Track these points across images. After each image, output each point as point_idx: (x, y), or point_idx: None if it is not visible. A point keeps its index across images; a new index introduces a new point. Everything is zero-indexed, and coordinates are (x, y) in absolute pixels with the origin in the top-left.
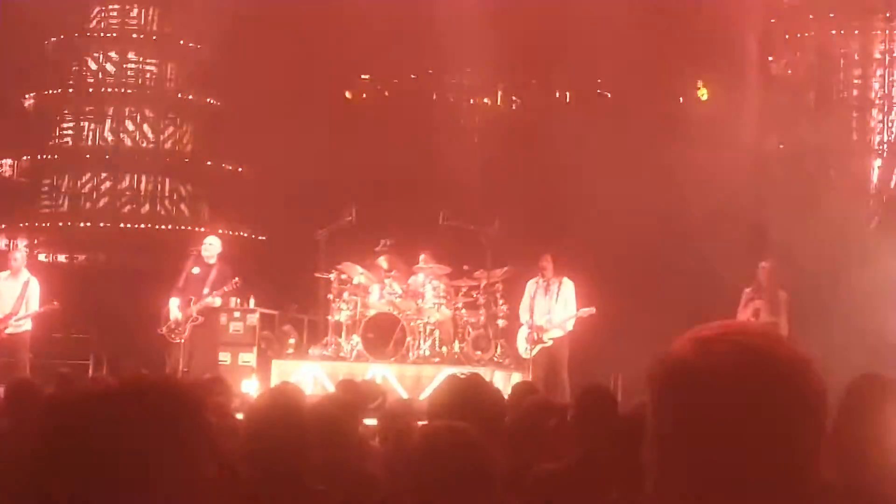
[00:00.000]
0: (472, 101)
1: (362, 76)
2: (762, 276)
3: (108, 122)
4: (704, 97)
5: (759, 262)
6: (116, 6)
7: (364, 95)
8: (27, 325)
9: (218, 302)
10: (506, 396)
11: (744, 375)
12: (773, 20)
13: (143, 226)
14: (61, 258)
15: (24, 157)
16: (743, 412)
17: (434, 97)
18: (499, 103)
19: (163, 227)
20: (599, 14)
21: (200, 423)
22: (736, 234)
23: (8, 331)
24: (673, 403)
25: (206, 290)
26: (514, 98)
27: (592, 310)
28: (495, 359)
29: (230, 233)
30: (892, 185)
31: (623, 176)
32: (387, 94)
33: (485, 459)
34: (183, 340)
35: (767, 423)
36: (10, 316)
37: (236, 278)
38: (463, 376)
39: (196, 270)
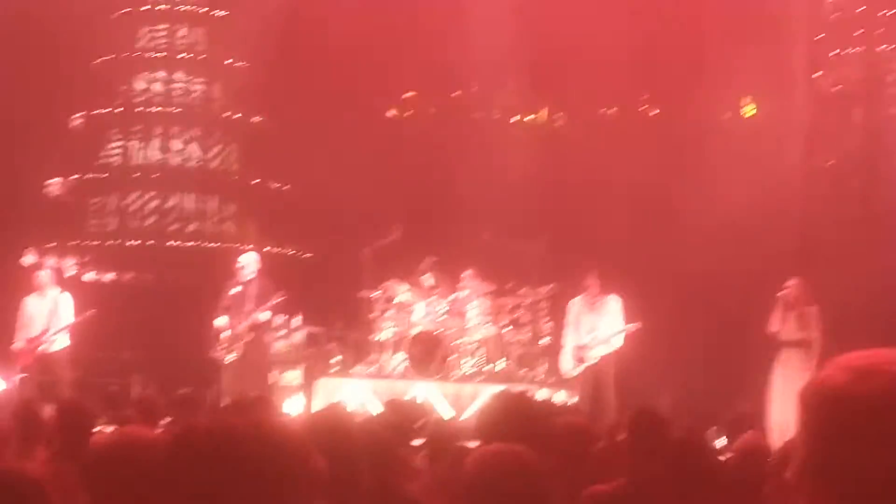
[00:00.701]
0: (516, 117)
1: (405, 94)
2: (788, 293)
3: (156, 141)
4: (751, 113)
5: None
6: (165, 26)
7: (408, 113)
8: (64, 342)
9: (266, 316)
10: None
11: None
12: (820, 35)
13: (189, 244)
14: (109, 276)
15: (73, 177)
16: None
17: (477, 114)
18: (543, 120)
19: (209, 245)
20: (644, 29)
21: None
22: (783, 251)
23: (42, 347)
24: (828, 433)
25: (248, 307)
26: (558, 114)
27: (638, 325)
28: (539, 377)
29: (276, 250)
30: None
31: (668, 192)
32: (431, 111)
33: (541, 484)
34: (232, 360)
35: None
36: (43, 333)
37: (281, 292)
38: (512, 394)
39: (238, 289)
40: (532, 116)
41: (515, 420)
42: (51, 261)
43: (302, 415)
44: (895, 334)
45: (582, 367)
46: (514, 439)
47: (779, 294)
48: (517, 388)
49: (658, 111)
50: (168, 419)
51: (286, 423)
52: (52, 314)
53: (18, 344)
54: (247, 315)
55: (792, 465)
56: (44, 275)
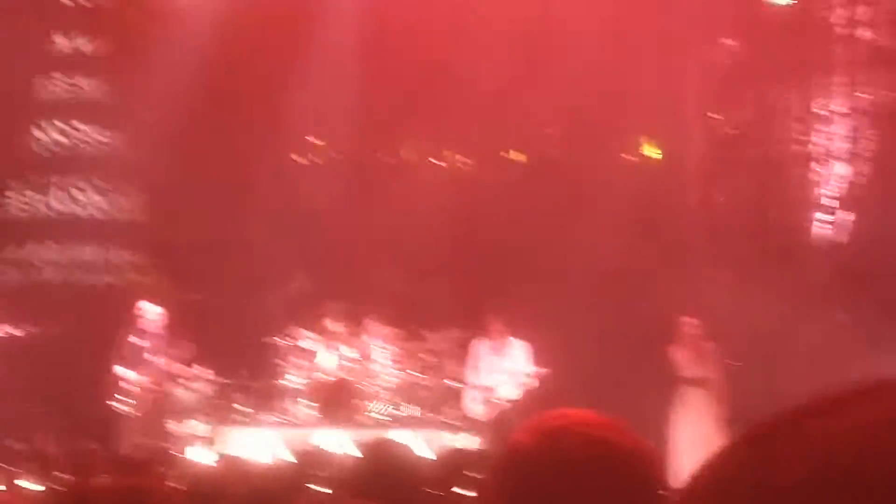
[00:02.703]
0: (420, 161)
1: (308, 137)
2: (684, 332)
3: (55, 191)
4: (650, 155)
5: (681, 318)
6: (62, 75)
7: (312, 157)
8: None
9: (166, 364)
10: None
11: (589, 469)
12: (710, 77)
13: (92, 294)
14: (11, 330)
15: None
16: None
17: (385, 159)
18: (447, 163)
19: (113, 294)
20: (543, 71)
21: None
22: (683, 289)
23: None
24: (518, 497)
25: (150, 357)
26: (461, 157)
27: (541, 368)
28: (447, 420)
29: (181, 299)
30: (843, 240)
31: (571, 234)
32: (334, 155)
33: None
34: (133, 411)
35: None
36: None
37: (185, 341)
38: (380, 444)
39: (138, 339)
40: (433, 161)
41: (381, 471)
42: None
43: (205, 466)
44: (789, 369)
45: (487, 410)
46: (379, 490)
47: (678, 332)
48: (422, 432)
49: (558, 153)
50: (63, 475)
51: (180, 480)
52: None
53: None
54: (147, 364)
55: None
56: None
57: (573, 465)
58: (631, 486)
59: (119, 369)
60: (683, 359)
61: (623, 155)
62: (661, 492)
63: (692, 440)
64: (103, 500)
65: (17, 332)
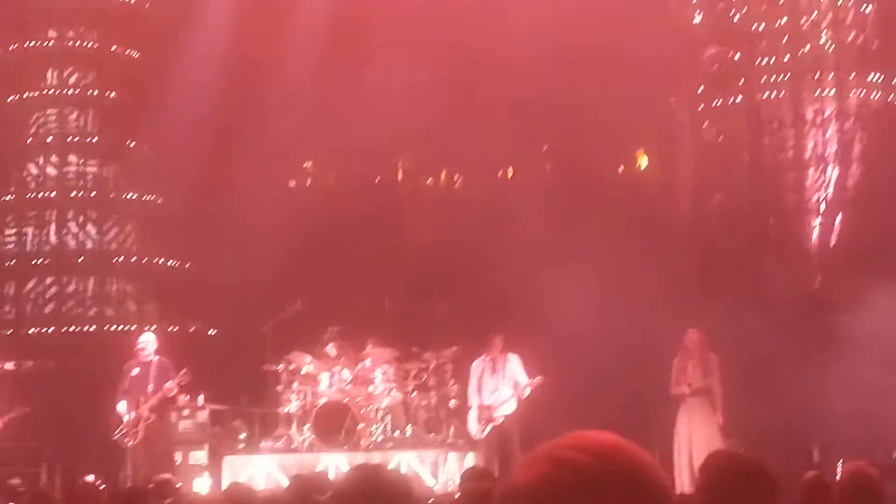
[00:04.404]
0: (415, 181)
1: (304, 164)
2: (690, 343)
3: (51, 225)
4: (643, 165)
5: (688, 329)
6: (54, 111)
7: (308, 182)
8: None
9: (173, 391)
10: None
11: (556, 494)
12: (701, 87)
13: (90, 328)
14: (9, 366)
15: None
16: None
17: (377, 180)
18: (442, 183)
19: (111, 328)
20: (536, 85)
21: None
22: (682, 299)
23: None
24: None
25: (149, 388)
26: (456, 177)
27: (540, 379)
28: (449, 441)
29: (177, 329)
30: (832, 243)
31: (567, 248)
32: (329, 180)
33: None
34: (136, 442)
35: None
36: None
37: (184, 370)
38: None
39: (136, 371)
40: (430, 180)
41: (371, 493)
42: None
43: (209, 495)
44: (787, 378)
45: (489, 429)
46: None
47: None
48: (426, 453)
49: (551, 167)
50: None
51: None
52: None
53: None
54: (148, 396)
55: None
56: None
57: (542, 492)
58: None
59: (121, 402)
60: (688, 369)
61: (619, 168)
62: None
63: (696, 448)
64: None
65: (17, 368)
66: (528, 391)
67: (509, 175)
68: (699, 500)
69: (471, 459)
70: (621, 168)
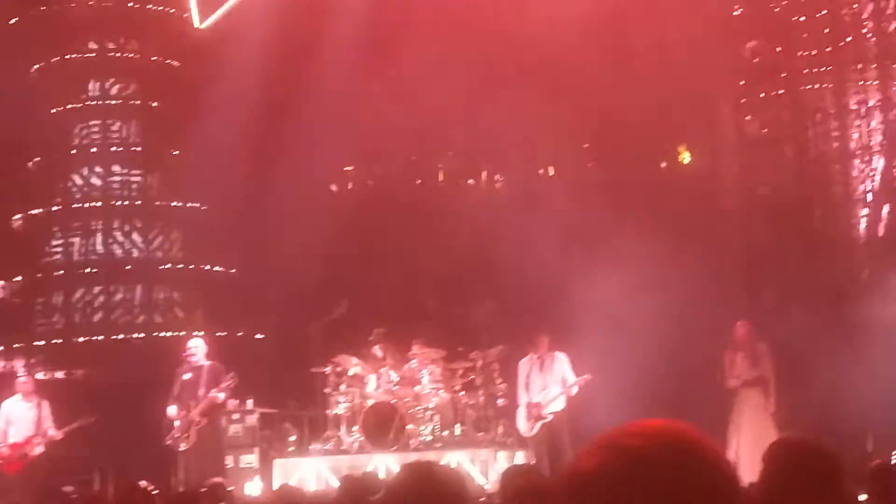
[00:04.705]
0: (456, 183)
1: (345, 167)
2: (738, 335)
3: (97, 235)
4: (686, 161)
5: (736, 322)
6: (97, 121)
7: (349, 186)
8: (41, 448)
9: (221, 397)
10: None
11: (618, 480)
12: (743, 81)
13: (139, 336)
14: (59, 375)
15: (16, 278)
16: None
17: (418, 182)
18: (483, 183)
19: (159, 334)
20: (575, 82)
21: None
22: (729, 293)
23: (34, 451)
24: None
25: (200, 392)
26: (497, 176)
27: (588, 377)
28: (498, 439)
29: (225, 334)
30: (880, 233)
31: (611, 245)
32: (370, 183)
33: None
34: (188, 447)
35: None
36: (34, 437)
37: (232, 374)
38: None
39: (188, 376)
40: (472, 181)
41: (424, 491)
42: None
43: (261, 498)
44: (837, 368)
45: (538, 427)
46: None
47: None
48: (475, 452)
49: (593, 164)
50: None
51: None
52: (39, 421)
53: (3, 449)
54: (199, 400)
55: None
56: (26, 381)
57: (598, 480)
58: (717, 494)
59: (172, 407)
60: (737, 361)
61: (661, 163)
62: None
63: (750, 438)
64: None
65: (67, 377)
66: (575, 389)
67: (550, 173)
68: (765, 487)
69: (520, 458)
70: (664, 164)
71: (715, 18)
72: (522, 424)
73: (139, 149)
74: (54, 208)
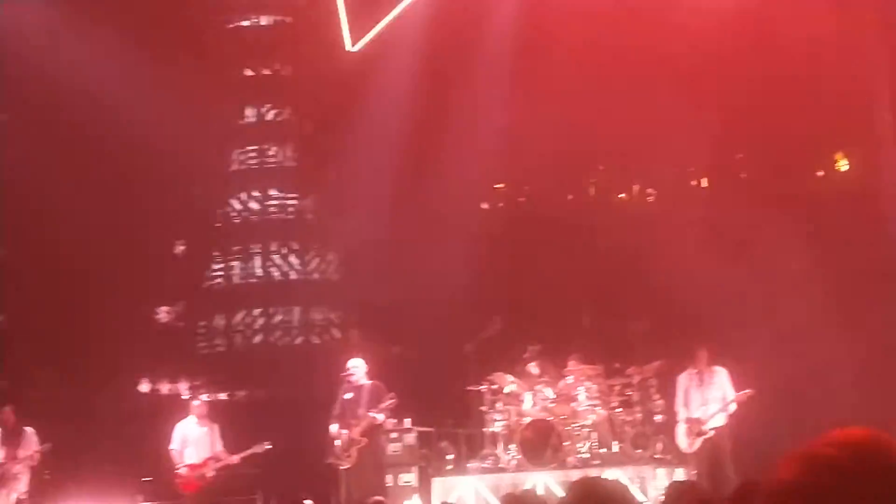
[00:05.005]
0: (607, 198)
1: (495, 185)
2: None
3: (256, 258)
4: (844, 169)
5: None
6: (254, 147)
7: (500, 204)
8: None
9: (381, 418)
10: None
11: (815, 491)
12: None
13: (298, 356)
14: (222, 396)
15: (179, 302)
16: None
17: (570, 198)
18: (634, 196)
19: (317, 355)
20: (725, 90)
21: None
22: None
23: (210, 473)
24: None
25: (361, 411)
26: (649, 190)
27: (750, 392)
28: (657, 456)
29: (382, 353)
30: None
31: (766, 257)
32: (521, 199)
33: None
34: (349, 465)
35: None
36: (210, 459)
37: (391, 394)
38: (588, 481)
39: (349, 395)
40: (623, 195)
41: None
42: (184, 386)
43: None
44: None
45: (699, 442)
46: None
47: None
48: (635, 469)
49: (747, 175)
50: None
51: None
52: (212, 443)
53: (182, 469)
54: (360, 419)
55: None
56: (200, 405)
57: (811, 490)
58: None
59: (332, 426)
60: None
61: (818, 173)
62: None
63: None
64: None
65: (230, 398)
66: (734, 405)
67: (703, 185)
68: None
69: (680, 474)
70: (820, 172)
71: (869, 8)
72: (683, 440)
73: (294, 172)
74: (214, 232)
